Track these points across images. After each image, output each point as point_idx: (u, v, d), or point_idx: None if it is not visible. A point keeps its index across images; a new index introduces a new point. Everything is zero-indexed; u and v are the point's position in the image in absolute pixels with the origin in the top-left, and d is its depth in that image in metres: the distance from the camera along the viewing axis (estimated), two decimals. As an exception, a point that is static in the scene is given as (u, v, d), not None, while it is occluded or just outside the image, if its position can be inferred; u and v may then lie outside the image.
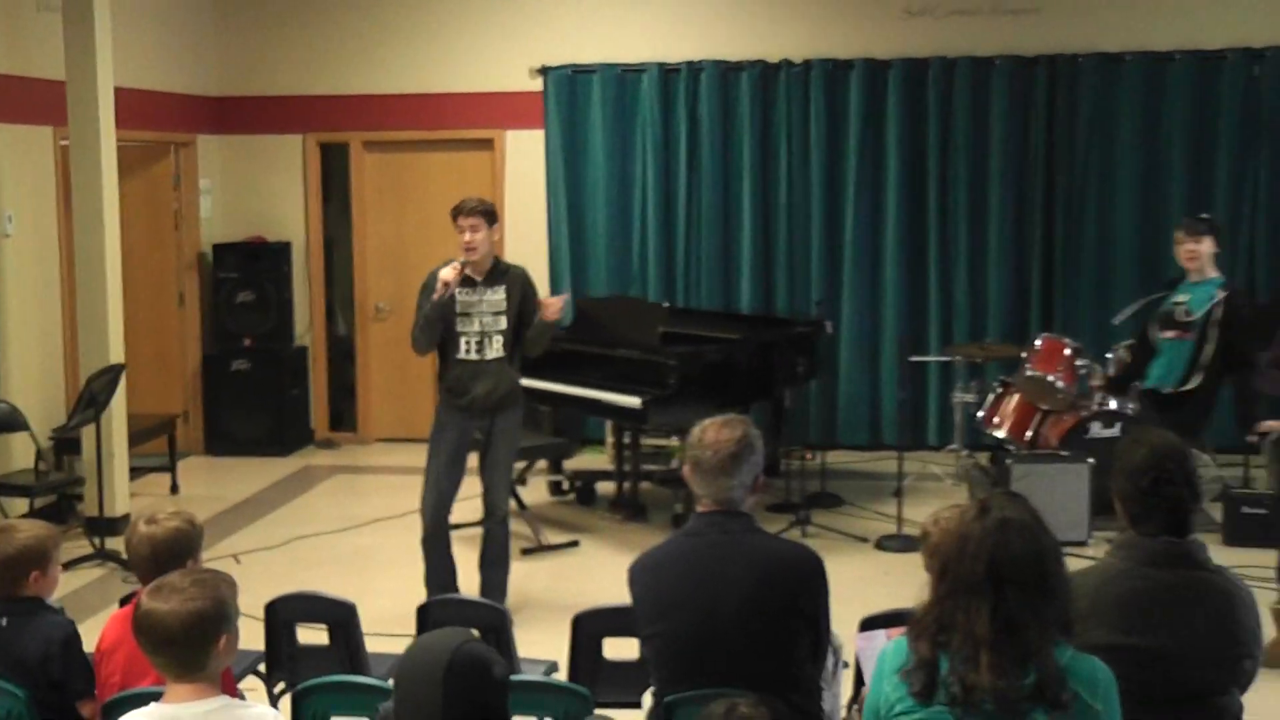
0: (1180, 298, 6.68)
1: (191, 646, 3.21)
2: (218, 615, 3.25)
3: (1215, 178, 10.27)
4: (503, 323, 6.60)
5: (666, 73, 10.75)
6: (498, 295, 6.60)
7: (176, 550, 4.00)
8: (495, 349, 6.60)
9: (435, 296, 6.45)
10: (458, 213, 6.57)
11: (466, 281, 6.54)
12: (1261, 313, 8.60)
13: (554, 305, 6.64)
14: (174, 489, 9.76)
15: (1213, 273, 6.60)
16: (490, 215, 6.60)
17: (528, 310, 6.67)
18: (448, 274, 6.44)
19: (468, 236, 6.50)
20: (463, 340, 6.60)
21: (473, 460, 6.85)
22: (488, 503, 6.80)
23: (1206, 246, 6.58)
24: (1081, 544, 7.37)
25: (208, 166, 11.17)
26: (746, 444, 3.88)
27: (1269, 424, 6.41)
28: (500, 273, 6.65)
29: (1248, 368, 6.62)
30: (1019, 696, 2.95)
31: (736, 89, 10.70)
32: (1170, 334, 6.65)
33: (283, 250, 11.16)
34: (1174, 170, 10.30)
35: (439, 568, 6.71)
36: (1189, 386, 6.66)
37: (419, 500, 6.77)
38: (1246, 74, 10.19)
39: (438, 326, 6.57)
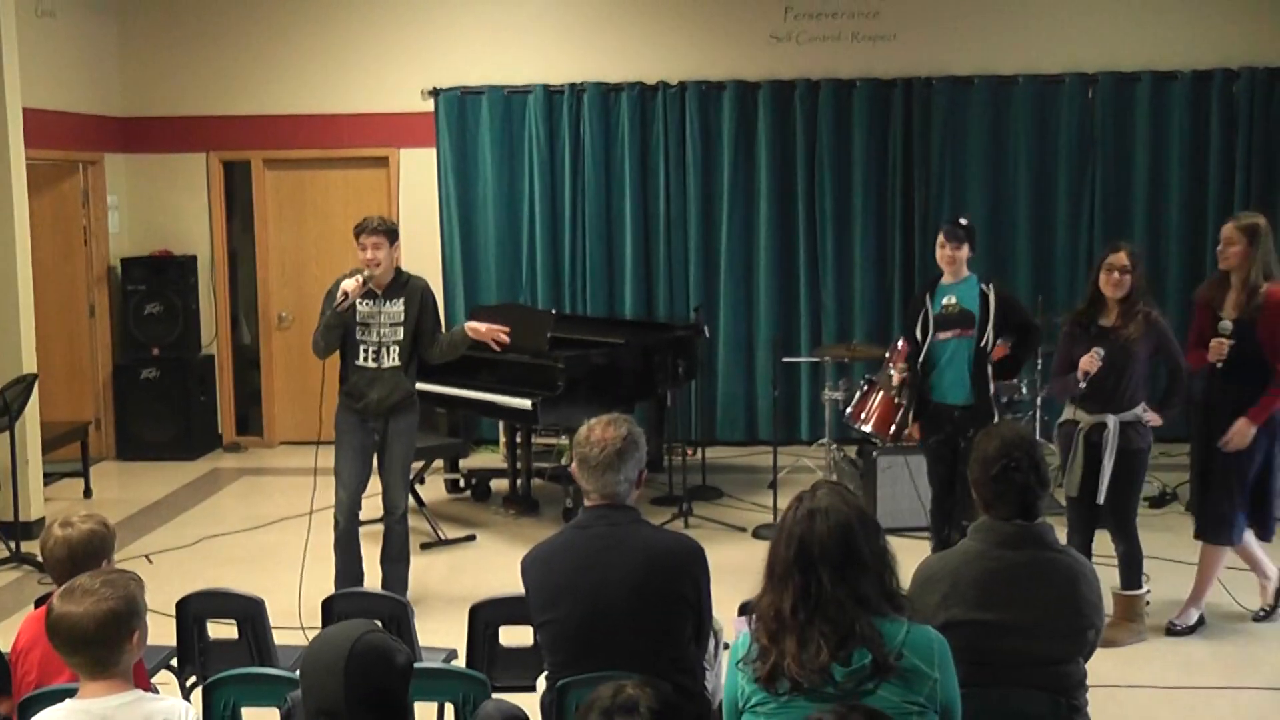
0: (947, 299, 6.62)
1: (106, 645, 3.16)
2: (129, 612, 3.20)
3: (1056, 188, 10.54)
4: (400, 334, 6.55)
5: (551, 94, 10.74)
6: (396, 308, 6.55)
7: (92, 551, 3.93)
8: (391, 358, 6.56)
9: (336, 306, 6.39)
10: (361, 231, 6.50)
11: (367, 294, 6.49)
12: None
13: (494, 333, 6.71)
14: (87, 493, 9.56)
15: (966, 273, 6.63)
16: (392, 234, 6.55)
17: (426, 320, 6.63)
18: (349, 285, 6.38)
19: (369, 254, 6.45)
20: (362, 348, 6.56)
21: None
22: (386, 502, 6.74)
23: (964, 252, 6.59)
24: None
25: (115, 184, 10.96)
26: (630, 441, 3.89)
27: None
28: (400, 285, 6.60)
29: (1035, 334, 6.71)
30: (862, 675, 2.99)
31: (617, 109, 10.72)
32: (948, 334, 6.60)
33: (189, 263, 10.98)
34: (1019, 182, 10.54)
35: (349, 564, 6.66)
36: (977, 394, 6.56)
37: (330, 500, 6.70)
38: (1082, 96, 10.46)
39: (337, 333, 6.52)
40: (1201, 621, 6.45)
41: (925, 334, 6.65)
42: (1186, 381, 6.23)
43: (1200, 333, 6.27)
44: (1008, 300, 6.62)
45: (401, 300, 6.56)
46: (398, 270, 6.63)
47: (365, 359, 6.56)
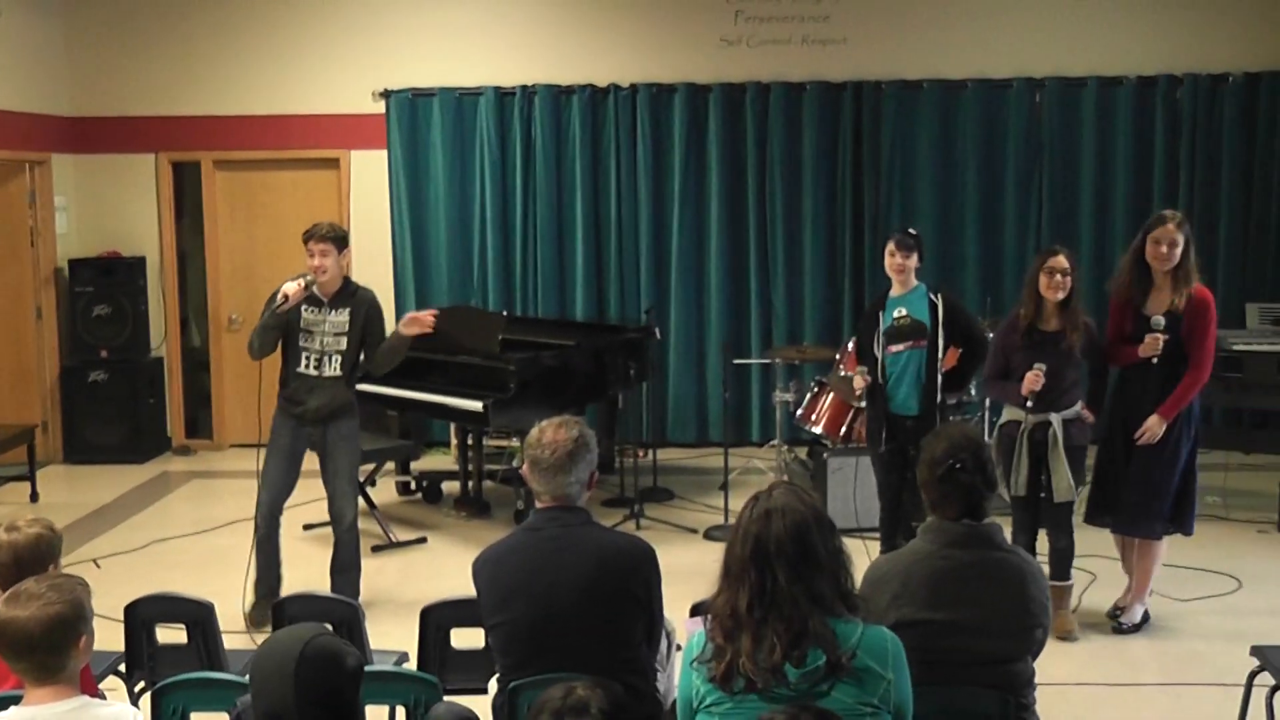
0: (898, 311, 6.62)
1: (53, 650, 3.12)
2: (76, 617, 3.17)
3: (1004, 191, 10.62)
4: (343, 343, 6.52)
5: (502, 96, 10.72)
6: (341, 317, 6.52)
7: (38, 555, 3.88)
8: (333, 368, 6.52)
9: (276, 307, 6.35)
10: (309, 237, 6.46)
11: (314, 301, 6.45)
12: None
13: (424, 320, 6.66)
14: (34, 497, 9.45)
15: (914, 282, 6.65)
16: (340, 241, 6.50)
17: (372, 332, 6.60)
18: (290, 288, 6.33)
19: (317, 261, 6.41)
20: (304, 355, 6.51)
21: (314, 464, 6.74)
22: (333, 511, 6.68)
23: (913, 261, 6.62)
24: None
25: (62, 184, 10.84)
26: (582, 443, 3.89)
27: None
28: (348, 295, 6.55)
29: (982, 347, 6.73)
30: (816, 676, 2.99)
31: (568, 111, 10.72)
32: (900, 346, 6.60)
33: (137, 265, 10.87)
34: (967, 185, 10.62)
35: (268, 569, 6.64)
36: (926, 403, 6.56)
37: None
38: (1029, 101, 10.55)
39: (274, 335, 6.46)
40: (1146, 619, 6.52)
41: (880, 349, 6.65)
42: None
43: (1119, 330, 6.33)
44: (956, 308, 6.66)
45: (347, 310, 6.52)
46: (346, 280, 6.59)
47: (307, 366, 6.52)
